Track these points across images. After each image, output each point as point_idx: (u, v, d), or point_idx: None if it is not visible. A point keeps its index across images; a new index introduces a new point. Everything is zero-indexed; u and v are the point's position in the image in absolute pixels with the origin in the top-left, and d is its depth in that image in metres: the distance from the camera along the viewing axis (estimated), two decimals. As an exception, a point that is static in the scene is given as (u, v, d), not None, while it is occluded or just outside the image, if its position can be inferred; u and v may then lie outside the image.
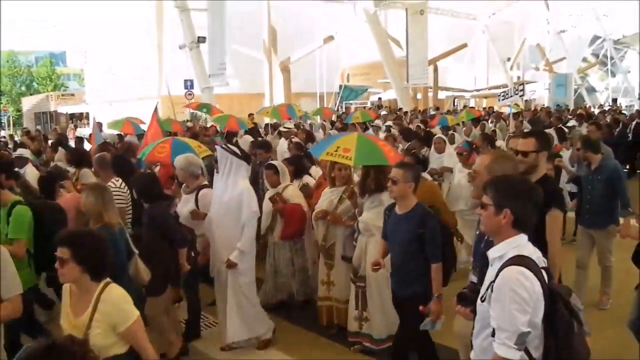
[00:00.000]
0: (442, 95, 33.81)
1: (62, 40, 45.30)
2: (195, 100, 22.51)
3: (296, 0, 28.17)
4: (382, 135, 10.94)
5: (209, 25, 21.88)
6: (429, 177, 6.55)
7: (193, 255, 5.22)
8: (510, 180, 2.79)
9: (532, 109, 26.51)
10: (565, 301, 2.49)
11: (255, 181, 6.93)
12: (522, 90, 9.22)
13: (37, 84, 48.18)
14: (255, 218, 5.21)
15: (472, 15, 35.78)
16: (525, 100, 35.85)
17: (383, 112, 24.17)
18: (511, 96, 9.42)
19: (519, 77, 39.40)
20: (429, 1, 27.98)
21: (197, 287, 5.68)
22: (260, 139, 11.77)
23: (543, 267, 2.53)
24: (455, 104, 32.90)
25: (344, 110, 26.78)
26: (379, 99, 31.96)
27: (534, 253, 2.55)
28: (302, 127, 13.39)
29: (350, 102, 30.26)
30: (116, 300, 2.92)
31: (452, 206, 6.64)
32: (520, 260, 2.46)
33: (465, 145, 7.81)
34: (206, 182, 5.61)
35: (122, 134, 12.22)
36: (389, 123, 13.75)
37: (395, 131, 11.05)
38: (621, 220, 5.89)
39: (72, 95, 38.76)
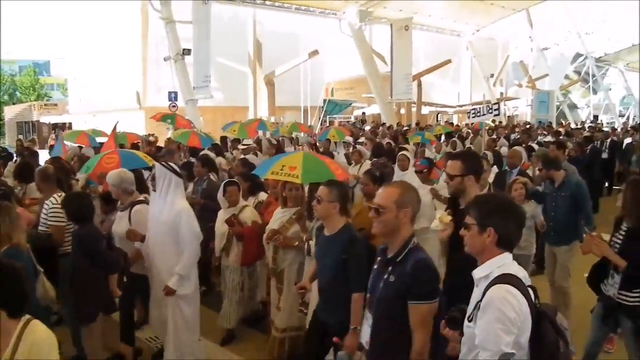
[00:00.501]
0: (425, 110, 33.99)
1: (46, 50, 45.10)
2: (180, 112, 22.53)
3: (282, 14, 28.25)
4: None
5: (194, 37, 21.83)
6: None
7: (126, 280, 4.96)
8: (492, 199, 2.83)
9: (514, 125, 26.77)
10: (552, 320, 2.50)
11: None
12: (497, 109, 8.84)
13: (20, 93, 47.80)
14: (197, 240, 4.89)
15: (456, 31, 36.17)
16: (508, 117, 36.31)
17: (367, 127, 24.24)
18: (484, 114, 9.05)
19: (502, 94, 39.76)
20: (413, 17, 28.22)
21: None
22: (227, 153, 11.56)
23: (529, 286, 2.52)
24: (439, 119, 33.10)
25: (327, 125, 26.82)
26: (363, 113, 32.05)
27: (520, 272, 2.55)
28: (270, 141, 13.14)
29: (335, 116, 30.32)
30: (39, 340, 2.57)
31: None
32: (507, 278, 2.45)
33: (423, 162, 7.69)
34: (141, 198, 5.32)
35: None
36: (362, 140, 13.50)
37: (363, 149, 10.83)
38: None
39: (55, 105, 38.48)
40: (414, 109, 32.11)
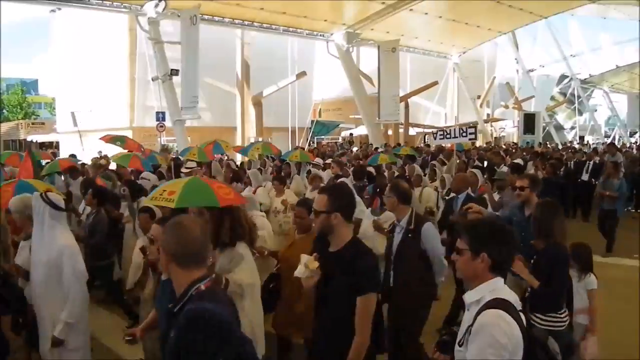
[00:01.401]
0: (412, 131, 34.18)
1: (34, 69, 45.11)
2: (167, 133, 22.55)
3: (270, 35, 28.44)
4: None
5: (182, 58, 21.88)
6: None
7: (21, 322, 4.47)
8: (486, 224, 2.81)
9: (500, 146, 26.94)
10: (543, 344, 2.52)
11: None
12: (474, 133, 8.49)
13: (8, 111, 47.57)
14: (82, 280, 4.34)
15: (442, 53, 36.49)
16: (495, 138, 36.58)
17: (355, 149, 24.33)
18: (455, 137, 8.70)
19: (488, 115, 40.23)
20: (400, 39, 28.47)
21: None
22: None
23: (520, 310, 2.53)
24: (426, 140, 33.35)
25: (315, 146, 26.92)
26: (351, 134, 32.21)
27: (511, 296, 2.55)
28: (229, 164, 12.61)
29: (322, 137, 30.43)
30: None
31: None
32: (499, 303, 2.45)
33: (370, 191, 7.37)
34: None
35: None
36: (329, 161, 12.92)
37: (321, 173, 10.48)
38: None
39: (43, 123, 38.38)
40: (401, 130, 32.28)
